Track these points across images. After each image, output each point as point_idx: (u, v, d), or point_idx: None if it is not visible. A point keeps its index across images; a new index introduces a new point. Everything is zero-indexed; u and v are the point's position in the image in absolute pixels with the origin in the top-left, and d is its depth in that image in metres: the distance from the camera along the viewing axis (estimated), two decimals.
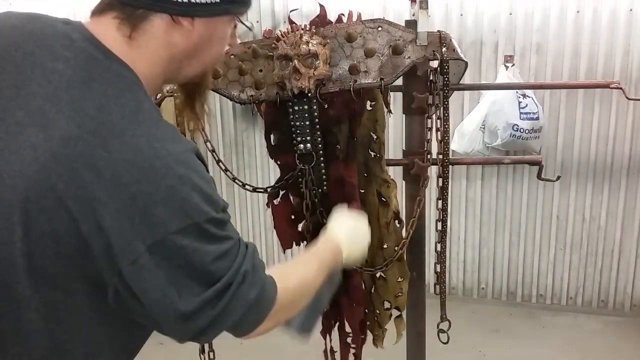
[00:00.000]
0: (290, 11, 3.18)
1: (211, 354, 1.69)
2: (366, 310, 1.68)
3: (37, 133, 0.70)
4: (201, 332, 0.77)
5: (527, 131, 2.94)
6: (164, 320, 0.75)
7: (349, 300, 1.63)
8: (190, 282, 0.74)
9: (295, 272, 0.98)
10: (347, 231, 1.17)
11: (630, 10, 2.91)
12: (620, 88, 1.61)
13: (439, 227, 1.58)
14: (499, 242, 3.39)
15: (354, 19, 1.46)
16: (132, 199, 0.69)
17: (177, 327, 0.76)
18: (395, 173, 1.61)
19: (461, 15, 3.13)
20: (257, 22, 3.39)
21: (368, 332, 1.71)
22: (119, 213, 0.69)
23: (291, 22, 1.47)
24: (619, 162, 3.10)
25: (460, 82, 1.63)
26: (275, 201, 1.62)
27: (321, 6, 1.49)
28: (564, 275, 3.33)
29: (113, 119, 0.70)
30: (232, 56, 1.47)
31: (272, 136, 1.55)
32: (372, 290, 1.68)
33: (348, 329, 1.68)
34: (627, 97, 1.75)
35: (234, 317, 0.79)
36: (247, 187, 1.64)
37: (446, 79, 1.45)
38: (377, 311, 1.67)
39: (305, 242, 1.61)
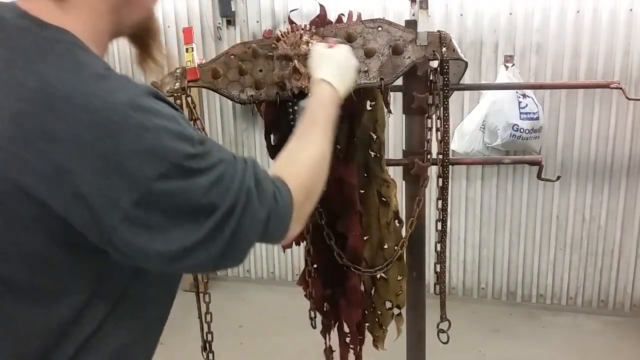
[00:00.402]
0: (290, 11, 3.19)
1: (211, 355, 1.69)
2: (366, 312, 1.68)
3: None
4: (221, 258, 0.75)
5: (527, 131, 2.94)
6: (173, 263, 0.73)
7: (347, 302, 1.63)
8: (188, 221, 0.72)
9: (303, 157, 0.95)
10: (333, 67, 1.13)
11: (630, 10, 2.91)
12: (620, 88, 1.61)
13: (439, 227, 1.58)
14: (499, 242, 3.39)
15: (354, 19, 1.46)
16: (101, 158, 0.66)
17: (190, 262, 0.74)
18: (395, 173, 1.61)
19: (461, 15, 3.13)
20: (257, 22, 3.39)
21: (368, 333, 1.71)
22: (94, 176, 0.66)
23: (291, 22, 1.47)
24: (619, 162, 3.11)
25: (460, 82, 1.63)
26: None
27: (321, 6, 1.49)
28: (564, 275, 3.34)
29: (56, 85, 0.68)
30: (232, 56, 1.47)
31: (272, 136, 1.55)
32: (373, 291, 1.68)
33: (347, 329, 1.69)
34: (627, 97, 1.75)
35: (250, 237, 0.78)
36: None
37: (446, 79, 1.45)
38: (379, 312, 1.67)
39: (304, 242, 1.61)
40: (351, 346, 1.70)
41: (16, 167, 0.67)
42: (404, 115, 1.57)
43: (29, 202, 0.67)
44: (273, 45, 1.43)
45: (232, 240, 0.75)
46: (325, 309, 1.69)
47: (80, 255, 0.73)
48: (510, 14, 3.07)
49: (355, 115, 1.49)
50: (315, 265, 1.64)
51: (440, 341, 1.64)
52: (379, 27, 1.42)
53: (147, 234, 0.70)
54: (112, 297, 0.78)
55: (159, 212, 0.70)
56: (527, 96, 2.97)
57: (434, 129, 1.50)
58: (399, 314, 1.68)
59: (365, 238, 1.60)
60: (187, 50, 1.45)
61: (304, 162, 0.93)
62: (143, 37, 0.91)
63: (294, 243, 1.64)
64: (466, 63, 1.51)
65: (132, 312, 0.82)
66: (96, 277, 0.76)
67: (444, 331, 1.64)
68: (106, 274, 0.77)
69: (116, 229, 0.68)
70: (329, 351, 1.73)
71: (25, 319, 0.74)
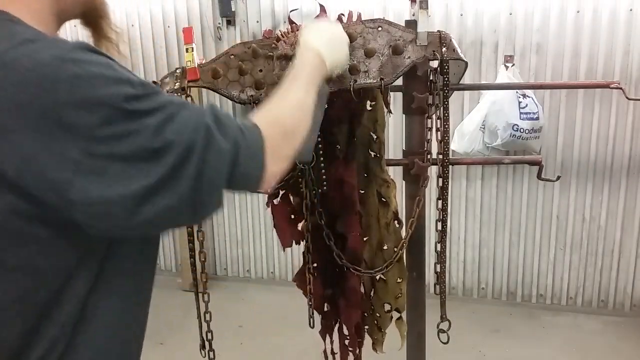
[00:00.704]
0: (290, 11, 3.19)
1: (211, 353, 1.69)
2: (365, 314, 1.68)
3: None
4: (192, 199, 0.73)
5: (527, 131, 2.94)
6: (140, 207, 0.70)
7: (346, 303, 1.63)
8: (145, 161, 0.70)
9: (280, 101, 0.95)
10: (323, 37, 1.11)
11: (630, 10, 2.91)
12: (620, 88, 1.61)
13: (439, 227, 1.58)
14: (499, 242, 3.39)
15: (354, 19, 1.46)
16: (41, 115, 0.66)
17: (159, 204, 0.71)
18: (395, 173, 1.61)
19: (461, 15, 3.13)
20: (257, 22, 3.39)
21: (367, 335, 1.71)
22: (37, 134, 0.66)
23: (291, 22, 1.47)
24: (619, 162, 3.11)
25: (460, 82, 1.63)
26: (275, 201, 1.62)
27: (321, 6, 1.49)
28: (564, 275, 3.34)
29: None
30: (232, 56, 1.47)
31: None
32: (372, 293, 1.68)
33: (346, 331, 1.68)
34: (627, 97, 1.75)
35: (220, 172, 0.75)
36: None
37: (446, 79, 1.45)
38: (378, 314, 1.67)
39: (305, 242, 1.61)
40: (350, 348, 1.70)
41: None
42: (404, 115, 1.57)
43: None
44: (273, 45, 1.43)
45: (200, 178, 0.73)
46: (325, 310, 1.69)
47: (48, 230, 0.72)
48: (510, 14, 3.07)
49: (355, 115, 1.49)
50: (315, 265, 1.64)
51: (440, 341, 1.64)
52: (379, 27, 1.42)
53: (104, 181, 0.68)
54: (90, 274, 0.78)
55: (111, 157, 0.69)
56: (527, 96, 2.97)
57: (434, 129, 1.50)
58: (400, 318, 1.68)
59: (364, 239, 1.60)
60: (187, 50, 1.45)
61: (278, 106, 0.93)
62: (92, 17, 0.90)
63: (293, 242, 1.64)
64: (466, 63, 1.51)
65: (112, 289, 0.81)
66: (70, 254, 0.75)
67: (444, 331, 1.64)
68: (80, 250, 0.76)
69: (71, 182, 0.67)
70: (329, 353, 1.73)
71: (4, 301, 0.74)
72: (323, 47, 1.09)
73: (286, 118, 0.92)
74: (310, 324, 1.66)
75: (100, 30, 0.93)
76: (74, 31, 3.30)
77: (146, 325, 0.93)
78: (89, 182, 0.68)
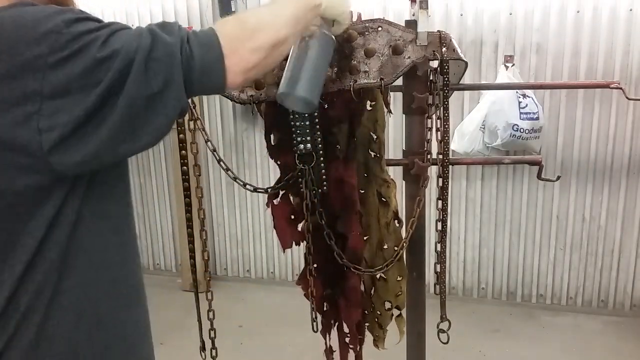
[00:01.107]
0: None
1: (213, 351, 1.69)
2: (365, 312, 1.68)
3: None
4: (144, 100, 0.76)
5: (527, 131, 2.94)
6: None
7: (346, 302, 1.63)
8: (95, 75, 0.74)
9: (244, 13, 0.97)
10: None
11: (630, 10, 2.91)
12: (620, 88, 1.61)
13: (439, 227, 1.58)
14: (499, 242, 3.39)
15: (354, 19, 1.46)
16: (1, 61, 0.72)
17: (130, 93, 0.75)
18: (395, 173, 1.61)
19: (461, 15, 3.13)
20: None
21: (368, 333, 1.71)
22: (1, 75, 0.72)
23: None
24: (619, 162, 3.11)
25: (460, 82, 1.63)
26: (275, 201, 1.62)
27: None
28: (564, 275, 3.34)
29: None
30: None
31: (272, 136, 1.55)
32: (372, 292, 1.68)
33: (347, 329, 1.68)
34: (627, 97, 1.75)
35: (171, 65, 0.78)
36: (247, 187, 1.64)
37: (446, 79, 1.45)
38: (379, 312, 1.67)
39: (305, 242, 1.61)
40: (351, 346, 1.70)
41: None
42: (404, 115, 1.57)
43: None
44: None
45: (153, 75, 0.76)
46: (325, 309, 1.69)
47: (21, 173, 0.76)
48: (510, 14, 3.07)
49: (355, 115, 1.49)
50: (315, 265, 1.64)
51: (440, 341, 1.64)
52: (379, 27, 1.42)
53: (68, 102, 0.73)
54: (66, 220, 0.81)
55: (68, 78, 0.73)
56: (527, 96, 2.97)
57: (434, 129, 1.50)
58: (400, 315, 1.68)
59: (365, 238, 1.60)
60: None
61: (242, 13, 0.95)
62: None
63: (293, 243, 1.64)
64: (466, 63, 1.51)
65: (90, 233, 0.85)
66: (48, 201, 0.79)
67: (444, 331, 1.64)
68: (56, 195, 0.79)
69: (40, 111, 0.72)
70: (329, 351, 1.73)
71: None
72: None
73: (248, 16, 0.93)
74: (313, 327, 1.66)
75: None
76: None
77: (140, 269, 0.97)
78: (50, 107, 0.73)
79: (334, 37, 1.19)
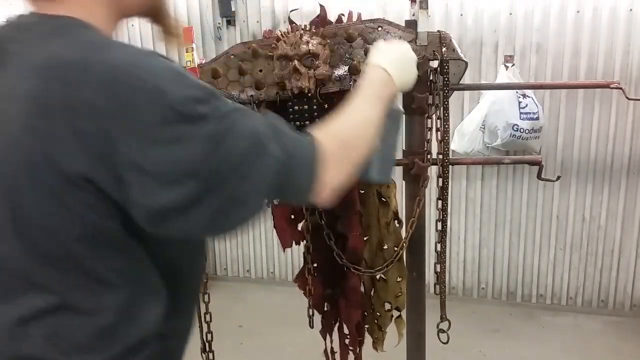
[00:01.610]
0: (290, 11, 3.18)
1: (211, 354, 1.69)
2: (365, 313, 1.68)
3: (7, 106, 0.72)
4: (229, 202, 0.75)
5: (527, 131, 2.94)
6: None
7: (346, 302, 1.63)
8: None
9: (343, 115, 0.94)
10: (391, 56, 1.11)
11: (630, 10, 2.91)
12: (620, 88, 1.61)
13: (439, 227, 1.58)
14: (499, 242, 3.39)
15: (354, 19, 1.46)
16: (112, 117, 0.68)
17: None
18: (395, 173, 1.61)
19: (461, 15, 3.13)
20: (257, 22, 3.39)
21: (367, 334, 1.71)
22: (109, 133, 0.68)
23: (291, 22, 1.47)
24: (619, 162, 3.11)
25: (460, 82, 1.63)
26: (275, 201, 1.62)
27: (321, 6, 1.49)
28: (564, 275, 3.34)
29: (63, 57, 0.71)
30: (232, 56, 1.47)
31: None
32: (372, 292, 1.68)
33: (347, 330, 1.68)
34: (627, 97, 1.75)
35: (265, 177, 0.77)
36: None
37: (446, 79, 1.45)
38: (378, 313, 1.67)
39: (305, 242, 1.61)
40: (350, 348, 1.70)
41: (39, 139, 0.69)
42: (404, 115, 1.57)
43: (58, 173, 0.69)
44: (273, 45, 1.43)
45: (245, 181, 0.76)
46: (325, 309, 1.69)
47: (114, 230, 0.74)
48: (510, 14, 3.07)
49: None
50: (315, 265, 1.64)
51: (440, 341, 1.64)
52: (379, 27, 1.42)
53: (157, 184, 0.70)
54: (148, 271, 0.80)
55: (165, 160, 0.70)
56: (527, 96, 2.97)
57: (434, 129, 1.50)
58: (399, 317, 1.68)
59: (365, 238, 1.60)
60: (187, 50, 1.45)
61: (340, 120, 0.93)
62: (154, 16, 0.92)
63: (293, 243, 1.64)
64: (466, 63, 1.51)
65: (163, 288, 0.82)
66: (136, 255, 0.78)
67: (444, 331, 1.64)
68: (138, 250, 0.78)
69: (132, 184, 0.70)
70: (329, 352, 1.73)
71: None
72: (391, 65, 1.09)
73: (346, 130, 0.92)
74: (310, 324, 1.66)
75: (166, 27, 0.95)
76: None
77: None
78: (145, 183, 0.70)
79: (402, 109, 1.17)
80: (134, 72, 0.70)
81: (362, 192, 1.58)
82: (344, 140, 0.90)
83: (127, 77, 0.69)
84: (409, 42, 1.41)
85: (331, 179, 0.86)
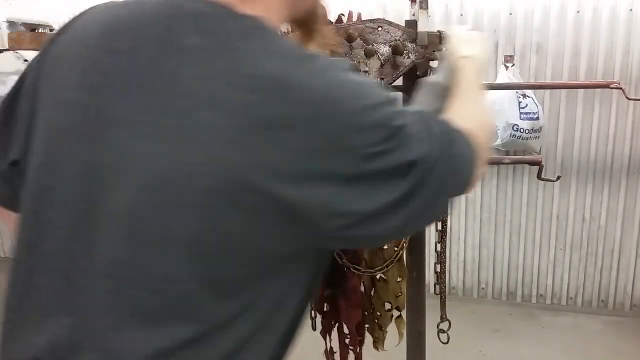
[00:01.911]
0: None
1: None
2: (365, 313, 1.68)
3: (206, 114, 0.65)
4: (425, 207, 0.73)
5: (527, 131, 2.94)
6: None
7: (346, 302, 1.63)
8: (395, 179, 0.71)
9: (473, 107, 0.95)
10: (472, 42, 1.12)
11: (630, 10, 2.91)
12: (620, 88, 1.62)
13: (439, 227, 1.58)
14: (499, 242, 3.39)
15: (354, 19, 1.46)
16: (325, 136, 0.65)
17: (395, 219, 0.71)
18: None
19: (461, 15, 3.13)
20: None
21: (367, 334, 1.71)
22: (318, 154, 0.65)
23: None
24: (619, 162, 3.11)
25: None
26: None
27: None
28: (564, 275, 3.34)
29: (272, 70, 0.66)
30: None
31: None
32: (372, 293, 1.68)
33: (347, 330, 1.68)
34: (627, 97, 1.75)
35: (452, 178, 0.77)
36: None
37: None
38: (378, 313, 1.67)
39: None
40: (351, 347, 1.70)
41: (242, 157, 0.64)
42: None
43: (255, 193, 0.64)
44: None
45: (441, 187, 0.75)
46: (325, 310, 1.69)
47: (287, 250, 0.71)
48: (510, 14, 3.07)
49: None
50: None
51: (440, 341, 1.64)
52: (379, 27, 1.42)
53: (365, 195, 0.68)
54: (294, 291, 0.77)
55: (374, 174, 0.68)
56: (527, 96, 2.97)
57: None
58: (399, 316, 1.68)
59: None
60: None
61: (474, 112, 0.93)
62: (309, 21, 0.90)
63: None
64: None
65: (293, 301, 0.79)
66: (290, 275, 0.74)
67: (444, 331, 1.64)
68: (301, 270, 0.76)
69: (343, 194, 0.67)
70: (329, 352, 1.73)
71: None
72: (477, 52, 1.10)
73: (483, 123, 0.91)
74: (312, 326, 1.66)
75: (314, 31, 0.93)
76: None
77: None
78: (358, 193, 0.67)
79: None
80: (342, 90, 0.67)
81: None
82: (484, 133, 0.89)
83: (334, 95, 0.66)
84: (409, 41, 1.41)
85: (479, 172, 0.85)
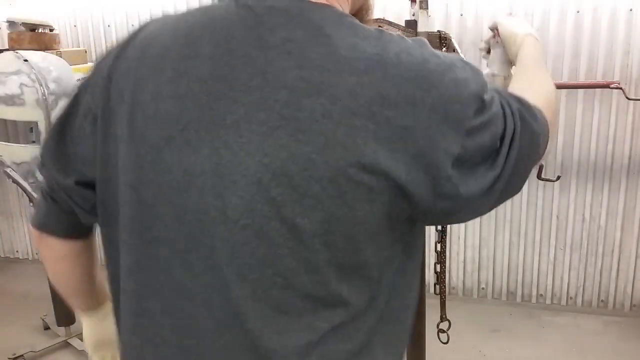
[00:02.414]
0: None
1: None
2: None
3: (313, 102, 0.65)
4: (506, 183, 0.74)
5: None
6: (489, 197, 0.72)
7: None
8: (494, 154, 0.72)
9: (542, 84, 0.95)
10: (521, 23, 1.12)
11: (630, 10, 2.91)
12: (620, 88, 1.62)
13: (439, 227, 1.58)
14: (499, 242, 3.39)
15: None
16: (431, 111, 0.66)
17: (494, 195, 0.73)
18: None
19: (461, 15, 3.13)
20: None
21: None
22: (427, 130, 0.65)
23: None
24: (619, 162, 3.11)
25: None
26: None
27: None
28: (564, 275, 3.33)
29: (371, 52, 0.67)
30: None
31: None
32: None
33: None
34: (627, 97, 1.75)
35: (531, 153, 0.78)
36: None
37: None
38: None
39: None
40: None
41: (355, 139, 0.64)
42: None
43: (368, 174, 0.65)
44: None
45: (519, 162, 0.75)
46: None
47: (398, 229, 0.72)
48: (511, 14, 3.07)
49: None
50: None
51: (440, 341, 1.65)
52: (379, 27, 1.42)
53: (472, 173, 0.69)
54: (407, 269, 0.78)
55: (477, 149, 0.69)
56: None
57: None
58: None
59: None
60: None
61: (540, 92, 0.92)
62: (361, 12, 0.90)
63: None
64: None
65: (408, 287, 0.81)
66: (401, 253, 0.75)
67: (444, 331, 1.64)
68: (409, 249, 0.76)
69: (450, 177, 0.67)
70: None
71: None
72: (533, 31, 1.10)
73: (550, 100, 0.91)
74: None
75: (365, 23, 0.95)
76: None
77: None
78: (463, 175, 0.68)
79: None
80: (439, 65, 0.69)
81: None
82: (551, 110, 0.88)
83: (437, 70, 0.68)
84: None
85: (548, 148, 0.86)
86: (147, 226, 0.72)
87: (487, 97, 0.71)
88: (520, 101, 0.77)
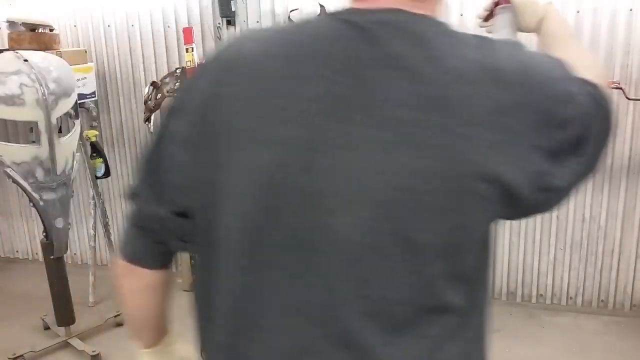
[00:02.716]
0: (290, 11, 3.18)
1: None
2: None
3: (431, 115, 0.67)
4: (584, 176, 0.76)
5: None
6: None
7: None
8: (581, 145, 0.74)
9: (589, 58, 0.98)
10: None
11: (630, 10, 2.91)
12: (620, 88, 1.61)
13: None
14: (499, 242, 3.39)
15: None
16: (537, 112, 0.68)
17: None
18: None
19: (461, 15, 3.13)
20: (257, 22, 3.39)
21: None
22: (535, 132, 0.68)
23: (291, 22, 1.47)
24: (619, 162, 3.11)
25: None
26: None
27: (321, 6, 1.49)
28: (564, 275, 3.34)
29: (480, 60, 0.70)
30: None
31: None
32: None
33: None
34: (627, 97, 1.75)
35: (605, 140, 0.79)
36: None
37: None
38: None
39: None
40: None
41: (472, 149, 0.66)
42: None
43: (483, 182, 0.66)
44: None
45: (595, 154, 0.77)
46: None
47: (493, 229, 0.75)
48: None
49: None
50: None
51: None
52: None
53: (563, 168, 0.71)
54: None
55: (566, 143, 0.71)
56: None
57: None
58: None
59: None
60: (187, 50, 1.46)
61: (592, 64, 0.93)
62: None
63: None
64: None
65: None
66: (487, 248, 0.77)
67: None
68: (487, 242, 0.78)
69: (547, 171, 0.69)
70: None
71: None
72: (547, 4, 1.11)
73: (600, 72, 0.91)
74: None
75: None
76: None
77: None
78: (557, 167, 0.70)
79: None
80: (534, 67, 0.72)
81: None
82: (605, 82, 0.88)
83: (534, 72, 0.71)
84: None
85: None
86: (259, 248, 0.72)
87: (575, 89, 0.73)
88: (590, 84, 0.78)
